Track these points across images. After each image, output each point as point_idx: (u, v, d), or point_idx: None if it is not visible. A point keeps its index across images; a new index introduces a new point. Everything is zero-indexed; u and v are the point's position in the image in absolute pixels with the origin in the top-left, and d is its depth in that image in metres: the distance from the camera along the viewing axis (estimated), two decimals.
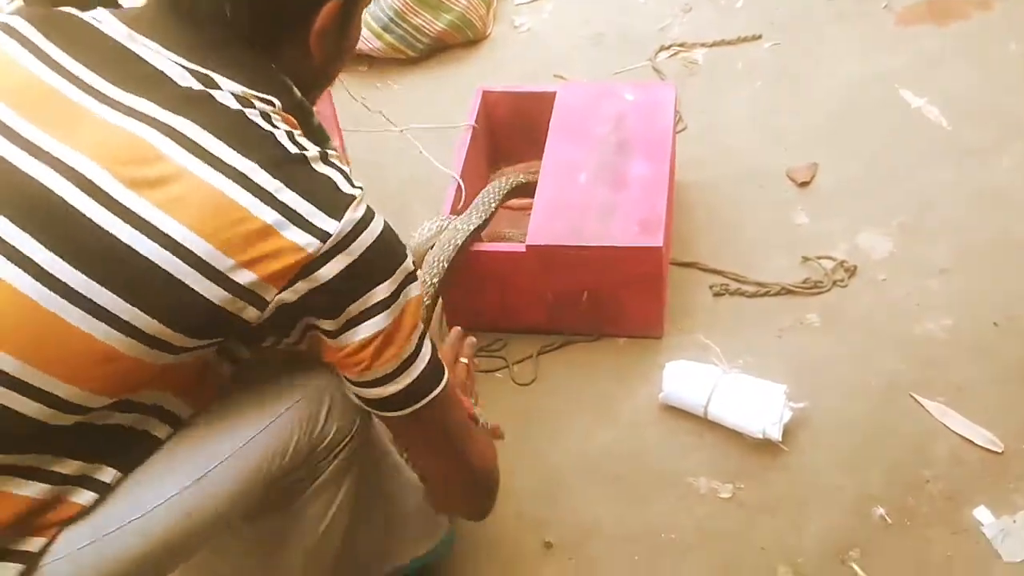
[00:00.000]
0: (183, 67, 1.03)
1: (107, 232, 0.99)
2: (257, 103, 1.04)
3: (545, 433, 1.87)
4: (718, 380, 1.82)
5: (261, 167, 1.00)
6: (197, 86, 1.03)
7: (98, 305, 0.99)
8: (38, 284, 0.99)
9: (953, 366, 1.88)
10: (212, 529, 1.18)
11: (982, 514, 1.65)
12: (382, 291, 1.07)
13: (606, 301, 1.93)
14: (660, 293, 1.94)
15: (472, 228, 1.89)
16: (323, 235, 1.01)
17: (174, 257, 0.99)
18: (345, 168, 1.09)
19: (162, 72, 1.03)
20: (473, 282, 1.96)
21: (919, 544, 1.64)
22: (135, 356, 1.02)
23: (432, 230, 1.93)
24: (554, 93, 2.17)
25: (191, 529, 1.14)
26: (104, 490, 1.11)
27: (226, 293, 1.01)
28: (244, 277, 1.01)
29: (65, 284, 0.99)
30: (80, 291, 0.99)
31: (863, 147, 2.33)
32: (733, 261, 2.12)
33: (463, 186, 2.03)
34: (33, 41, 1.07)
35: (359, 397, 1.18)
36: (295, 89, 1.12)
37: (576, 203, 1.93)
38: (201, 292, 1.00)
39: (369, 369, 1.12)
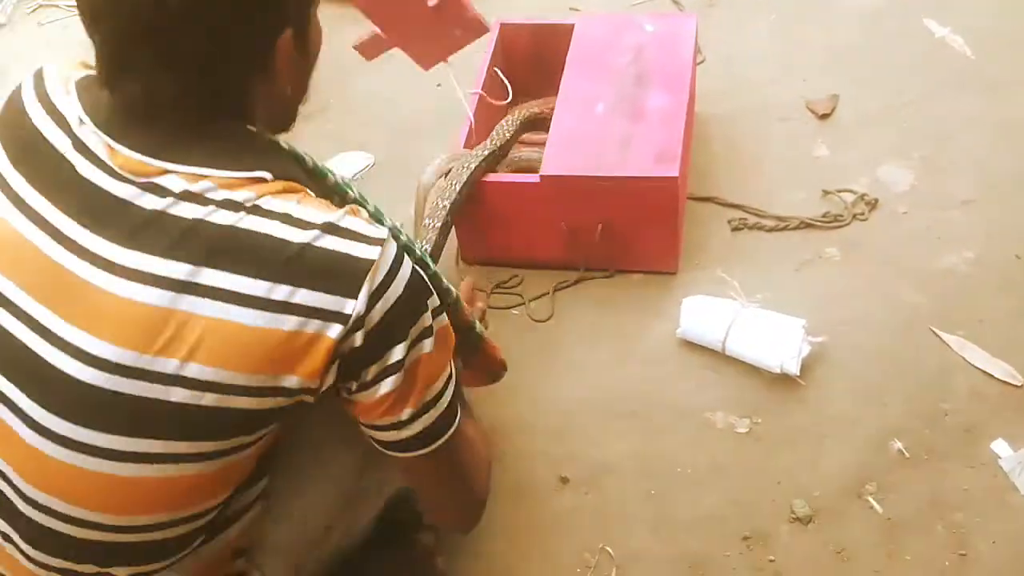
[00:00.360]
0: (152, 184, 1.00)
1: (144, 398, 1.00)
2: (243, 192, 1.00)
3: (562, 369, 1.87)
4: (736, 315, 1.81)
5: (265, 279, 0.98)
6: (172, 206, 0.99)
7: (175, 453, 1.04)
8: (108, 462, 1.04)
9: (974, 299, 1.86)
10: None
11: (1000, 447, 1.65)
12: (398, 352, 1.06)
13: (621, 234, 1.92)
14: (675, 226, 1.92)
15: (485, 154, 1.88)
16: (344, 318, 1.00)
17: (213, 394, 1.00)
18: (364, 213, 1.08)
19: (140, 209, 1.00)
20: (489, 214, 1.95)
21: (936, 477, 1.64)
22: (234, 461, 1.09)
23: (444, 162, 1.91)
24: (572, 25, 2.14)
25: None
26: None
27: (279, 397, 1.03)
28: (288, 382, 1.02)
29: (135, 452, 1.04)
30: (152, 451, 1.04)
31: (885, 78, 2.29)
32: (752, 195, 2.09)
33: (473, 122, 2.01)
34: (16, 191, 1.06)
35: (372, 438, 1.17)
36: (281, 143, 1.10)
37: (592, 134, 1.91)
38: (253, 407, 1.03)
39: (382, 419, 1.12)
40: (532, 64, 2.20)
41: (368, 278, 1.00)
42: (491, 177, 1.91)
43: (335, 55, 2.61)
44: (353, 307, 1.00)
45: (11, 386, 1.05)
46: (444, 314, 1.13)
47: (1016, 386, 1.72)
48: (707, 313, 1.83)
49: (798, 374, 1.76)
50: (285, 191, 1.02)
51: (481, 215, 1.95)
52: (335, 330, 1.00)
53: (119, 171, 1.00)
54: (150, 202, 0.99)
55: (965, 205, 2.01)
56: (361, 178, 2.31)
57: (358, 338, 1.01)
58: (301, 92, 1.15)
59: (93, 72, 1.05)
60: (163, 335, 0.98)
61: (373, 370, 1.06)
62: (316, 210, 1.02)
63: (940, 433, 1.68)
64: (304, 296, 0.98)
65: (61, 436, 1.03)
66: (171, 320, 0.98)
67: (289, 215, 1.00)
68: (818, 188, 2.09)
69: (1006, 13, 2.40)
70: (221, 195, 0.99)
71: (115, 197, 1.00)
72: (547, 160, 1.88)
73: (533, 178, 1.89)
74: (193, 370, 0.99)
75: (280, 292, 0.98)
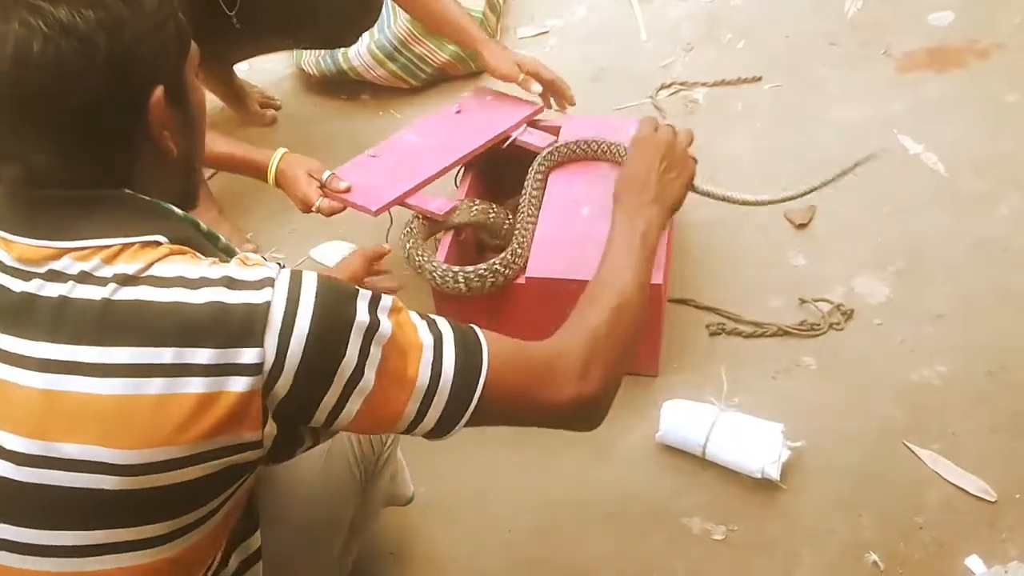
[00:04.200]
0: (51, 271, 0.97)
1: (59, 487, 0.96)
2: (136, 263, 0.97)
3: (538, 470, 1.87)
4: (716, 419, 1.82)
5: (166, 346, 0.94)
6: (73, 291, 0.96)
7: (120, 542, 0.99)
8: (46, 559, 0.98)
9: (947, 414, 1.88)
10: None
11: (974, 563, 1.65)
12: (347, 369, 1.00)
13: None
14: (658, 331, 1.94)
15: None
16: (257, 369, 0.96)
17: (140, 476, 0.95)
18: (253, 258, 1.03)
19: (30, 295, 0.97)
20: (470, 314, 1.95)
21: None
22: (193, 541, 1.04)
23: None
24: (558, 127, 2.18)
25: None
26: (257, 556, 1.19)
27: (217, 460, 0.98)
28: (220, 442, 0.97)
29: (64, 546, 0.98)
30: (93, 543, 0.98)
31: (861, 191, 2.34)
32: (729, 300, 2.12)
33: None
34: None
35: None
36: (173, 208, 1.07)
37: (577, 237, 1.93)
38: (192, 477, 0.98)
39: (392, 427, 1.07)
40: (511, 165, 2.22)
41: (268, 322, 0.96)
42: None
43: (322, 144, 2.66)
44: (262, 355, 0.96)
45: None
46: (386, 299, 1.06)
47: (990, 502, 1.74)
48: (687, 417, 1.84)
49: (778, 479, 1.76)
50: (173, 254, 1.00)
51: (463, 315, 1.95)
52: (254, 382, 0.96)
53: (18, 266, 0.98)
54: (53, 290, 0.96)
55: (939, 319, 2.05)
56: None
57: (284, 382, 0.97)
58: (192, 153, 1.13)
59: None
60: (58, 420, 0.94)
61: (328, 400, 1.00)
62: (208, 267, 0.99)
63: (915, 547, 1.69)
64: (208, 355, 0.95)
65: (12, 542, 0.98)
66: (60, 403, 0.94)
67: (183, 277, 0.97)
68: (795, 296, 2.12)
69: (977, 133, 2.47)
70: (116, 269, 0.96)
71: (20, 295, 0.97)
72: (533, 263, 1.90)
73: (519, 280, 1.91)
74: (103, 454, 0.94)
75: (183, 356, 0.94)
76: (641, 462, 1.86)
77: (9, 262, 0.99)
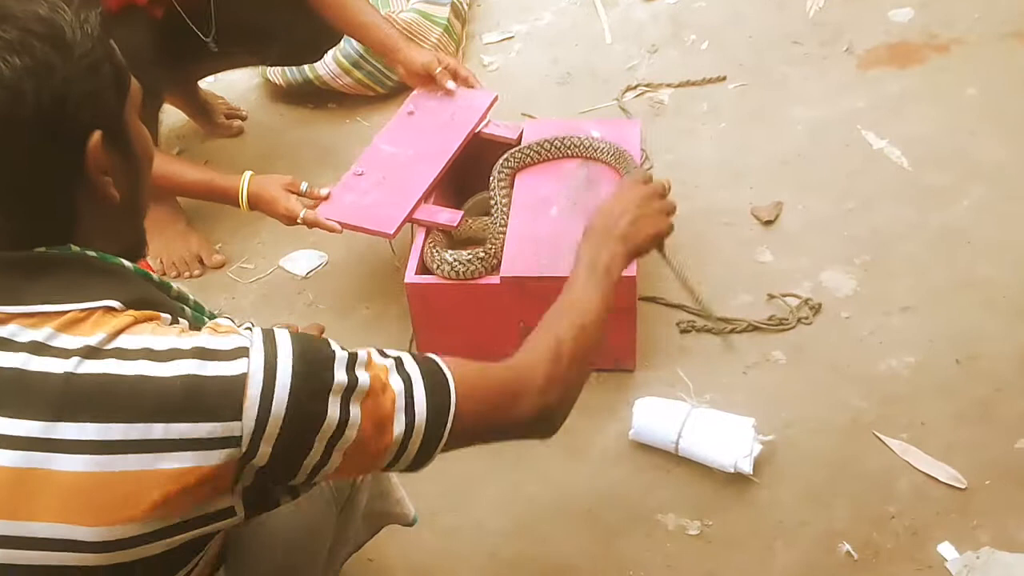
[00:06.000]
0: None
1: (36, 567, 0.92)
2: (97, 334, 0.93)
3: (515, 469, 1.87)
4: (688, 415, 1.83)
5: (135, 422, 0.90)
6: (28, 363, 0.91)
7: None
8: None
9: (916, 403, 1.90)
10: None
11: (946, 550, 1.67)
12: (330, 425, 0.98)
13: None
14: (632, 324, 1.96)
15: None
16: (235, 441, 0.93)
17: (111, 552, 0.92)
18: (224, 325, 1.01)
19: None
20: (447, 315, 1.97)
21: None
22: None
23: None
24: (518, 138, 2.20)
25: None
26: None
27: (192, 531, 0.96)
28: (193, 513, 0.95)
29: None
30: None
31: (827, 187, 2.37)
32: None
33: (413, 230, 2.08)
34: None
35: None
36: (123, 262, 1.02)
37: (548, 236, 1.95)
38: (163, 549, 0.95)
39: (372, 468, 1.08)
40: (480, 168, 2.23)
41: (246, 395, 0.93)
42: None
43: (289, 153, 2.65)
44: (240, 428, 0.92)
45: None
46: (361, 355, 1.03)
47: (960, 489, 1.76)
48: (659, 414, 1.85)
49: (751, 473, 1.77)
50: (139, 322, 0.95)
51: (440, 316, 1.97)
52: (229, 453, 0.93)
53: None
54: (5, 360, 0.91)
55: (906, 311, 2.07)
56: (313, 276, 2.33)
57: (263, 452, 0.94)
58: (136, 198, 1.07)
59: None
60: (25, 498, 0.90)
61: (311, 460, 0.98)
62: (178, 337, 0.95)
63: (887, 536, 1.71)
64: (183, 429, 0.91)
65: None
66: (27, 480, 0.90)
67: (150, 350, 0.93)
68: (763, 292, 2.14)
69: (939, 127, 2.50)
70: (77, 341, 0.92)
71: None
72: (506, 262, 1.91)
73: (493, 279, 1.92)
74: (79, 532, 0.90)
75: (155, 432, 0.90)
76: (615, 460, 1.87)
77: None
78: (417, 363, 1.08)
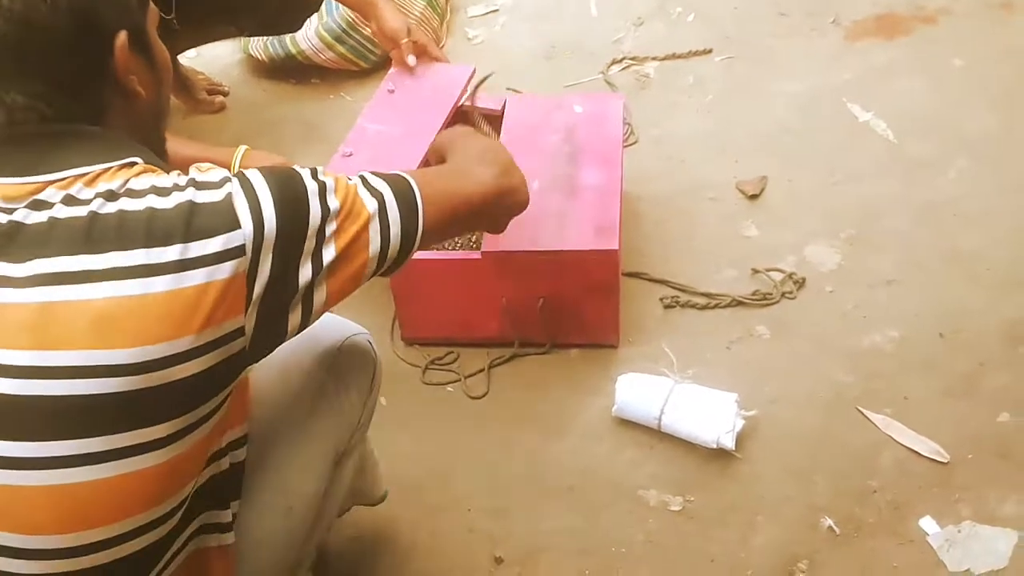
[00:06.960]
0: (35, 201, 1.02)
1: (60, 396, 0.98)
2: (116, 180, 1.04)
3: (497, 446, 1.87)
4: (671, 390, 1.83)
5: (154, 246, 1.00)
6: (59, 212, 1.01)
7: (119, 448, 1.01)
8: (41, 472, 0.99)
9: (899, 377, 1.90)
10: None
11: (928, 524, 1.67)
12: (315, 220, 1.10)
13: (563, 309, 1.94)
14: (615, 299, 1.95)
15: None
16: (240, 251, 1.03)
17: (140, 375, 0.99)
18: (203, 168, 1.10)
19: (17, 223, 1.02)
20: (430, 292, 1.96)
21: (866, 554, 1.65)
22: (187, 448, 1.06)
23: None
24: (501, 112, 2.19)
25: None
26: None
27: (207, 353, 1.02)
28: (210, 335, 1.02)
29: (58, 457, 0.99)
30: (91, 451, 1.00)
31: (812, 160, 2.36)
32: (682, 272, 2.13)
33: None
34: None
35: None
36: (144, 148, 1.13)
37: (530, 211, 1.92)
38: (187, 374, 1.01)
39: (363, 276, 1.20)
40: None
41: (236, 205, 1.04)
42: (432, 255, 1.94)
43: (272, 129, 2.63)
44: (242, 235, 1.03)
45: None
46: (320, 168, 1.15)
47: (942, 463, 1.76)
48: (641, 390, 1.85)
49: (734, 448, 1.77)
50: (145, 172, 1.07)
51: (422, 293, 1.96)
52: (237, 264, 1.03)
53: (2, 204, 1.03)
54: (39, 216, 1.02)
55: (890, 284, 2.06)
56: None
57: (266, 254, 1.05)
58: (158, 99, 1.20)
59: None
60: (54, 329, 0.98)
61: (303, 271, 1.09)
62: (174, 176, 1.08)
63: (869, 510, 1.71)
64: (197, 247, 1.01)
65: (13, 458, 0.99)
66: (55, 313, 0.98)
67: (155, 186, 1.05)
68: (747, 267, 2.13)
69: (925, 99, 2.49)
70: (98, 188, 1.03)
71: (7, 225, 1.02)
72: (488, 237, 1.90)
73: (475, 255, 1.91)
74: (106, 356, 0.98)
75: (173, 252, 1.00)
76: (598, 436, 1.87)
77: None
78: (382, 179, 1.24)
